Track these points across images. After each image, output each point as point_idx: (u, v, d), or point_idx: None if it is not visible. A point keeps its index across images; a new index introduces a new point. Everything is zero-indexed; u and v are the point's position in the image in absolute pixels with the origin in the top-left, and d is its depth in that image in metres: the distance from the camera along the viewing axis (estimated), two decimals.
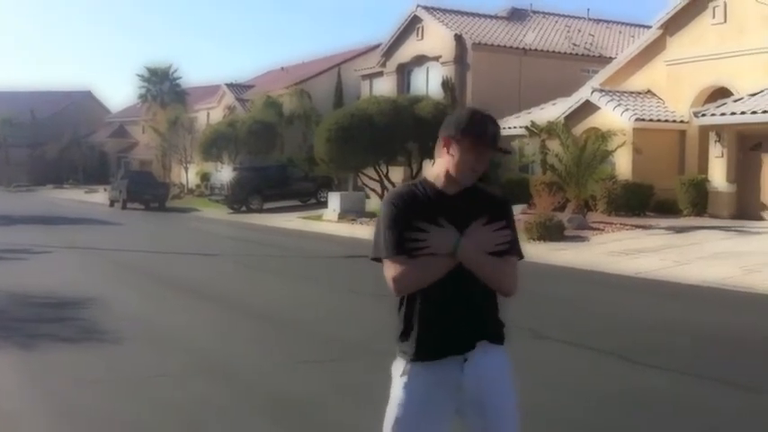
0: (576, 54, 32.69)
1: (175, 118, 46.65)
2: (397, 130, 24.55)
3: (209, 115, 50.18)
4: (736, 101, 20.10)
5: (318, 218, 27.15)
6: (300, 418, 5.41)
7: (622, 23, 37.60)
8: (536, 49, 31.76)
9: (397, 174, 27.35)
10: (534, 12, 36.23)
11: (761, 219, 19.27)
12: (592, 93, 23.72)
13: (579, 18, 36.96)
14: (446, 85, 28.87)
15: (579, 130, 22.53)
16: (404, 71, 34.35)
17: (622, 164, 21.86)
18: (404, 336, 2.78)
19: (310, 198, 33.94)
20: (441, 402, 2.74)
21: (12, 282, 11.84)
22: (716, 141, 20.47)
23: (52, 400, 5.90)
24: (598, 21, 37.36)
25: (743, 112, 19.29)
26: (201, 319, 9.33)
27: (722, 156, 20.34)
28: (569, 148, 19.95)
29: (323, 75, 42.71)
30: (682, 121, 22.63)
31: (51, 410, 5.65)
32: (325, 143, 25.30)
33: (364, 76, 37.66)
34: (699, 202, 20.61)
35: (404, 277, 2.67)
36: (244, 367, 6.86)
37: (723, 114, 19.82)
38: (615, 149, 20.09)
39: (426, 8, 32.98)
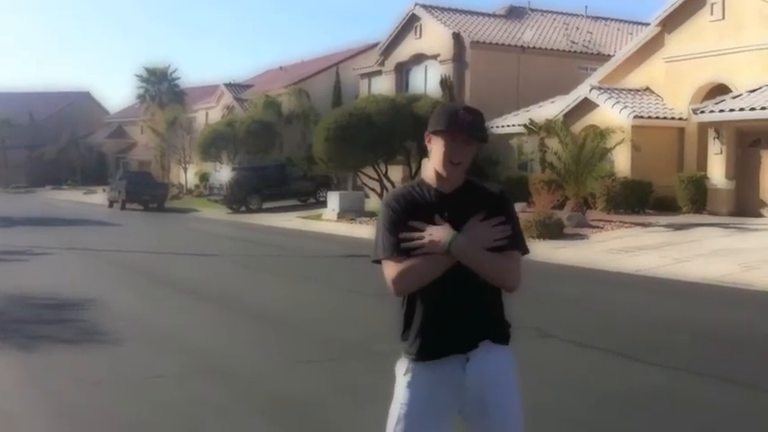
0: (575, 52, 32.69)
1: (174, 118, 46.65)
2: (395, 128, 24.55)
3: (208, 115, 50.17)
4: (734, 97, 20.10)
5: (317, 217, 27.15)
6: (299, 419, 5.41)
7: (620, 21, 37.60)
8: (534, 47, 31.75)
9: (395, 173, 27.35)
10: (532, 10, 36.24)
11: (760, 215, 19.28)
12: (590, 90, 23.72)
13: (577, 15, 36.96)
14: (444, 83, 28.86)
15: (578, 127, 22.53)
16: (402, 70, 34.36)
17: (621, 161, 21.86)
18: (405, 335, 2.79)
19: (309, 197, 33.94)
20: (443, 401, 2.74)
21: (11, 283, 11.82)
22: (715, 138, 20.47)
23: (52, 400, 5.90)
24: (596, 18, 37.36)
25: (741, 109, 19.29)
26: (200, 320, 9.32)
27: (721, 152, 20.34)
28: (568, 145, 19.94)
29: (321, 74, 42.71)
30: (680, 119, 22.63)
31: (51, 411, 5.65)
32: (323, 142, 25.29)
33: (363, 75, 37.66)
34: (698, 199, 20.62)
35: (402, 277, 2.67)
36: (243, 367, 6.86)
37: (722, 111, 19.82)
38: (614, 147, 20.07)
39: (424, 6, 32.98)
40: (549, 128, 21.83)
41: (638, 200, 21.42)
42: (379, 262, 2.76)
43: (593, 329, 8.45)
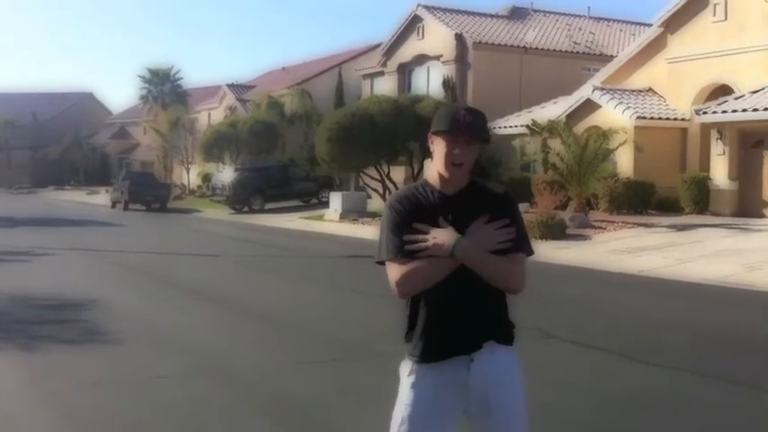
0: (577, 52, 32.67)
1: (177, 119, 46.68)
2: (398, 129, 24.54)
3: (211, 116, 50.20)
4: (737, 98, 20.07)
5: (320, 218, 27.15)
6: (302, 419, 5.40)
7: (623, 21, 37.57)
8: (537, 48, 31.74)
9: (398, 173, 27.35)
10: (535, 10, 36.22)
11: (762, 216, 19.24)
12: (593, 91, 23.71)
13: (580, 16, 36.95)
14: (447, 84, 28.84)
15: (580, 128, 22.51)
16: (405, 71, 34.35)
17: (624, 162, 21.84)
18: (408, 336, 2.79)
19: (312, 198, 33.94)
20: (448, 402, 2.74)
21: (14, 284, 11.83)
22: (717, 139, 20.45)
23: (53, 401, 5.90)
24: (599, 19, 37.34)
25: (744, 110, 19.27)
26: (203, 320, 9.32)
27: (724, 153, 20.31)
28: (571, 146, 19.93)
29: (324, 74, 42.71)
30: (683, 119, 22.61)
31: (53, 412, 5.65)
32: (326, 143, 25.29)
33: (365, 76, 37.66)
34: (700, 199, 20.59)
35: (406, 280, 2.67)
36: (245, 368, 6.86)
37: (724, 112, 19.80)
38: (616, 148, 20.06)
39: (427, 7, 32.97)
40: (551, 128, 21.82)
41: (641, 200, 21.41)
42: (382, 263, 2.76)
43: (596, 330, 8.44)
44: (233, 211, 32.73)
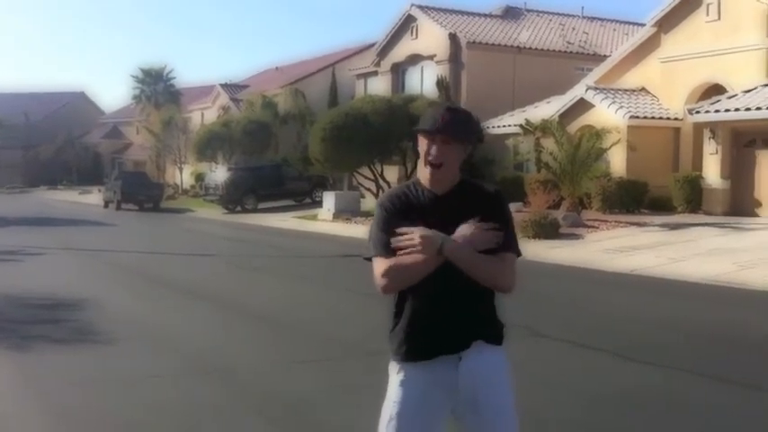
0: (571, 52, 32.70)
1: (169, 118, 46.57)
2: (391, 129, 24.54)
3: (204, 115, 50.10)
4: (730, 98, 20.14)
5: (313, 217, 27.13)
6: (296, 418, 5.40)
7: (616, 21, 37.64)
8: (530, 48, 31.76)
9: (391, 173, 27.35)
10: (528, 10, 36.26)
11: (755, 215, 19.32)
12: (586, 90, 23.75)
13: (573, 16, 36.99)
14: (441, 84, 28.87)
15: (574, 127, 22.55)
16: (398, 70, 34.33)
17: (617, 161, 21.88)
18: (393, 334, 2.79)
19: (305, 198, 33.92)
20: (436, 402, 2.73)
21: (6, 283, 11.79)
22: (710, 138, 20.51)
23: (46, 400, 5.88)
24: (592, 19, 37.40)
25: (737, 109, 19.33)
26: (196, 320, 9.31)
27: (716, 152, 20.38)
28: (564, 146, 19.96)
29: (317, 74, 42.65)
30: (676, 119, 22.67)
31: (45, 411, 5.63)
32: (319, 143, 25.29)
33: (359, 76, 37.64)
34: (693, 198, 20.65)
35: (388, 274, 2.67)
36: (239, 367, 6.85)
37: (717, 111, 19.86)
38: (610, 147, 20.10)
39: (420, 7, 32.97)
40: (544, 128, 21.86)
41: (634, 200, 21.46)
42: (370, 260, 2.76)
43: (589, 329, 8.45)
44: (226, 211, 32.67)
